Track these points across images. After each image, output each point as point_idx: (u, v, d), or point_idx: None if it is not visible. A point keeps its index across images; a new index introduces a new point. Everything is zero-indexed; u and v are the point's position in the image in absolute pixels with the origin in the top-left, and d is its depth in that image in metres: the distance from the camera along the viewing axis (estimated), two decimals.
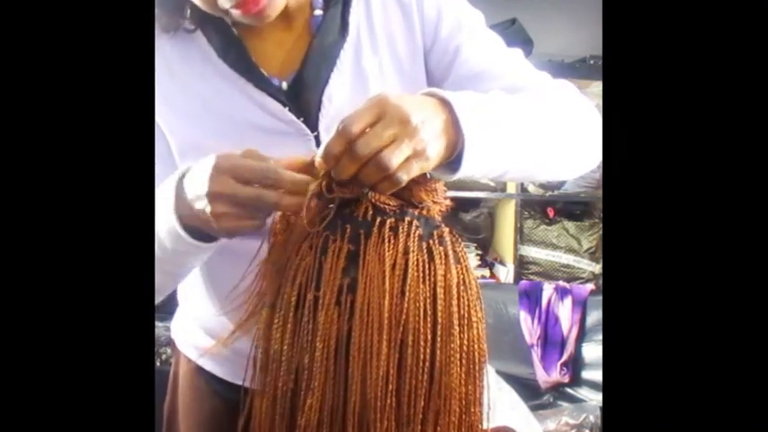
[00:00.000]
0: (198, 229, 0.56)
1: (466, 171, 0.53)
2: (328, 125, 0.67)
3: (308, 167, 0.53)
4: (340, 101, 0.67)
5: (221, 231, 0.54)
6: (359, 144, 0.47)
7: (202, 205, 0.53)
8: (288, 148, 0.62)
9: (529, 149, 0.59)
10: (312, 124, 0.67)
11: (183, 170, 0.57)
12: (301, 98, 0.67)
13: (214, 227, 0.54)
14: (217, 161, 0.53)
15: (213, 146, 0.67)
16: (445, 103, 0.52)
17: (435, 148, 0.50)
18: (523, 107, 0.60)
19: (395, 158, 0.47)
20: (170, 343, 0.90)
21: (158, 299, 0.69)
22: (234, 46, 0.67)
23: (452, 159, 0.53)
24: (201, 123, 0.67)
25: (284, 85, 0.68)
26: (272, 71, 0.68)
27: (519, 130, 0.58)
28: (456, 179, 0.54)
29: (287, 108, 0.66)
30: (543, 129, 0.61)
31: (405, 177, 0.49)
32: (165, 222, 0.56)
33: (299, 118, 0.66)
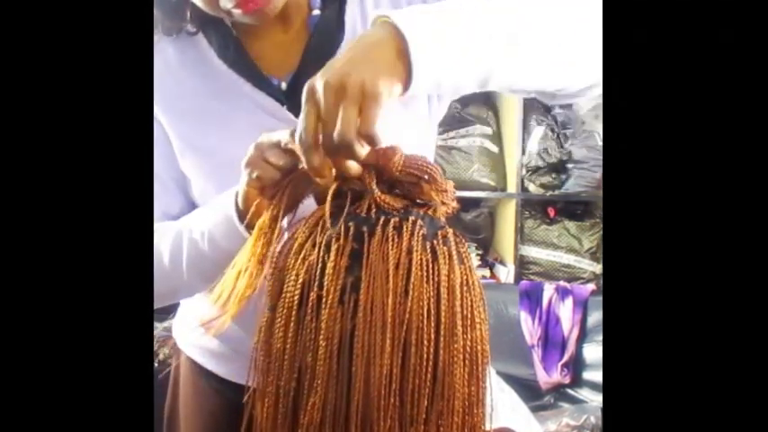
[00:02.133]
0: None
1: (419, 88, 0.51)
2: None
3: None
4: None
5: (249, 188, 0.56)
6: (324, 142, 0.48)
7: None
8: None
9: (501, 47, 0.53)
10: None
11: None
12: (299, 97, 0.68)
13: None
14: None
15: (211, 146, 0.67)
16: (394, 30, 0.50)
17: (379, 81, 0.48)
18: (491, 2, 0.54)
19: (346, 129, 0.47)
20: (168, 343, 0.90)
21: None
22: (233, 47, 0.68)
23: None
24: (201, 124, 0.68)
25: (283, 86, 0.69)
26: (271, 71, 0.69)
27: (483, 29, 0.52)
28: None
29: (285, 107, 0.67)
30: (517, 21, 0.54)
31: (371, 127, 0.48)
32: (223, 223, 0.59)
33: (296, 117, 0.66)
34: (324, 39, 0.69)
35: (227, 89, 0.67)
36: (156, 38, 0.68)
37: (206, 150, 0.69)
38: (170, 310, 0.87)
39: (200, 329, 0.79)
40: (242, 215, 0.58)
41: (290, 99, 0.67)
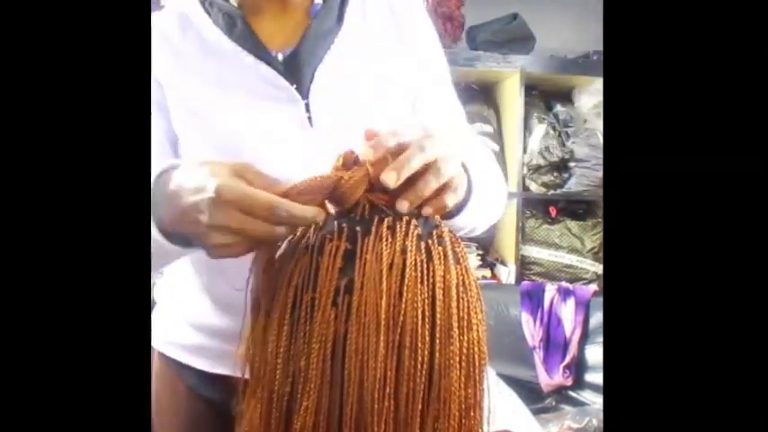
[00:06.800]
0: (178, 235, 0.53)
1: (460, 222, 0.62)
2: (319, 95, 0.71)
3: (315, 188, 0.49)
4: (332, 77, 0.71)
5: (216, 256, 0.50)
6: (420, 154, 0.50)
7: (199, 229, 0.49)
8: (278, 114, 0.68)
9: (491, 204, 0.70)
10: (303, 92, 0.70)
11: (161, 170, 0.55)
12: (295, 69, 0.71)
13: (206, 245, 0.50)
14: (219, 190, 0.47)
15: (208, 113, 0.70)
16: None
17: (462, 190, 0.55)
18: (486, 164, 0.70)
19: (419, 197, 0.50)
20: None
21: None
22: (235, 22, 0.71)
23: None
24: (198, 91, 0.70)
25: (280, 57, 0.71)
26: (270, 46, 0.72)
27: (489, 188, 0.67)
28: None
29: (281, 76, 0.70)
30: (494, 183, 0.71)
31: (450, 201, 0.52)
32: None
33: (291, 85, 0.70)
34: (323, 25, 0.72)
35: (224, 58, 0.70)
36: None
37: (200, 119, 0.70)
38: None
39: (185, 326, 0.78)
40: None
41: (287, 68, 0.70)
